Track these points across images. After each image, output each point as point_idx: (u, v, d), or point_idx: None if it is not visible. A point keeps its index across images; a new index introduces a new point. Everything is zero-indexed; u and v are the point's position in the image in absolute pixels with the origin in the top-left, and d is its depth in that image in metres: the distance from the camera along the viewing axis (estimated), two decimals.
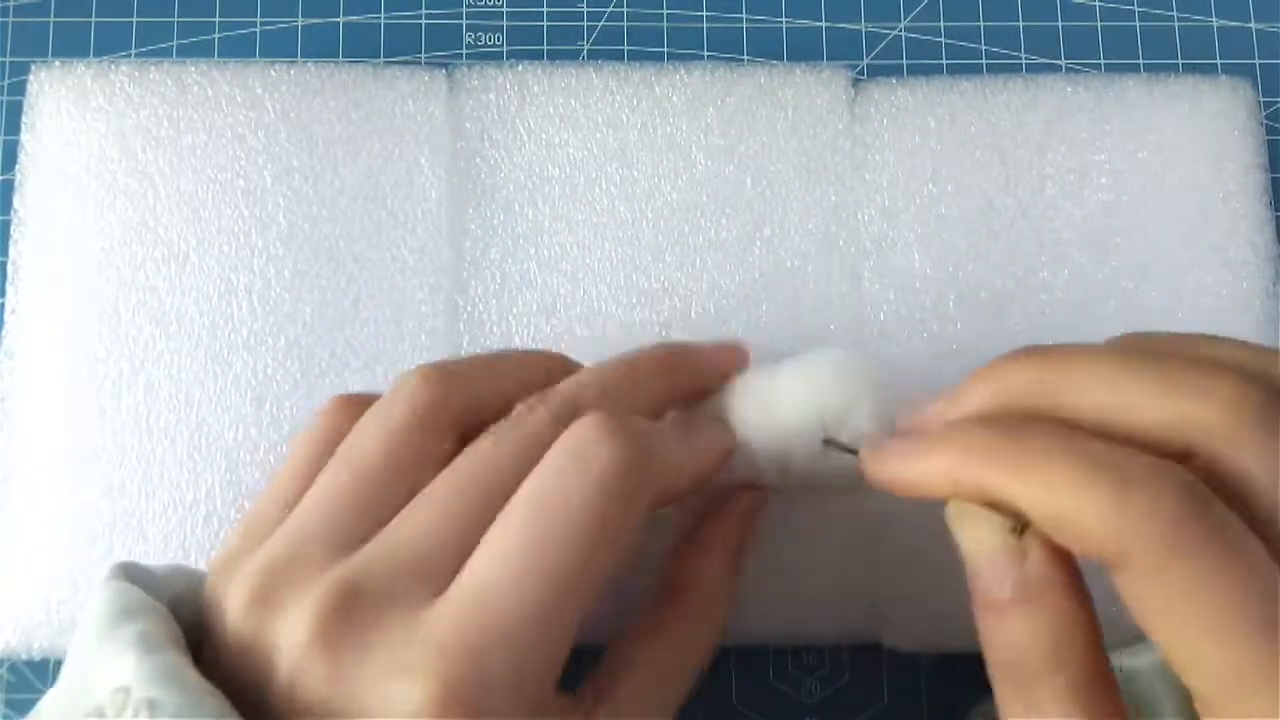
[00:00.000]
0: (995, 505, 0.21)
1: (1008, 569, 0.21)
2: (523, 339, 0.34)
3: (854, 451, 0.26)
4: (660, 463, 0.24)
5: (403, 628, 0.20)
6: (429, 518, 0.22)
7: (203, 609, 0.23)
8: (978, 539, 0.22)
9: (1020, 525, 0.21)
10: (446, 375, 0.25)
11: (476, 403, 0.25)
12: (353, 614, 0.20)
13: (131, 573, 0.23)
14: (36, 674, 0.33)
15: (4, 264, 0.34)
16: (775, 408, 0.28)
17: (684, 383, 0.28)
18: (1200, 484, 0.19)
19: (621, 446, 0.22)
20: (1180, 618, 0.19)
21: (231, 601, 0.22)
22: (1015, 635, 0.21)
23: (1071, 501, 0.20)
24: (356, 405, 0.26)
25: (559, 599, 0.21)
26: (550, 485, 0.22)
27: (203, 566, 0.31)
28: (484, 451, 0.23)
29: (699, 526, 0.28)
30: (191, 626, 0.22)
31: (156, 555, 0.32)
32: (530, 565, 0.21)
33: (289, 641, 0.20)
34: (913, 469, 0.23)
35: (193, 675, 0.20)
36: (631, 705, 0.24)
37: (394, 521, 0.22)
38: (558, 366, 0.28)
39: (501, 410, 0.25)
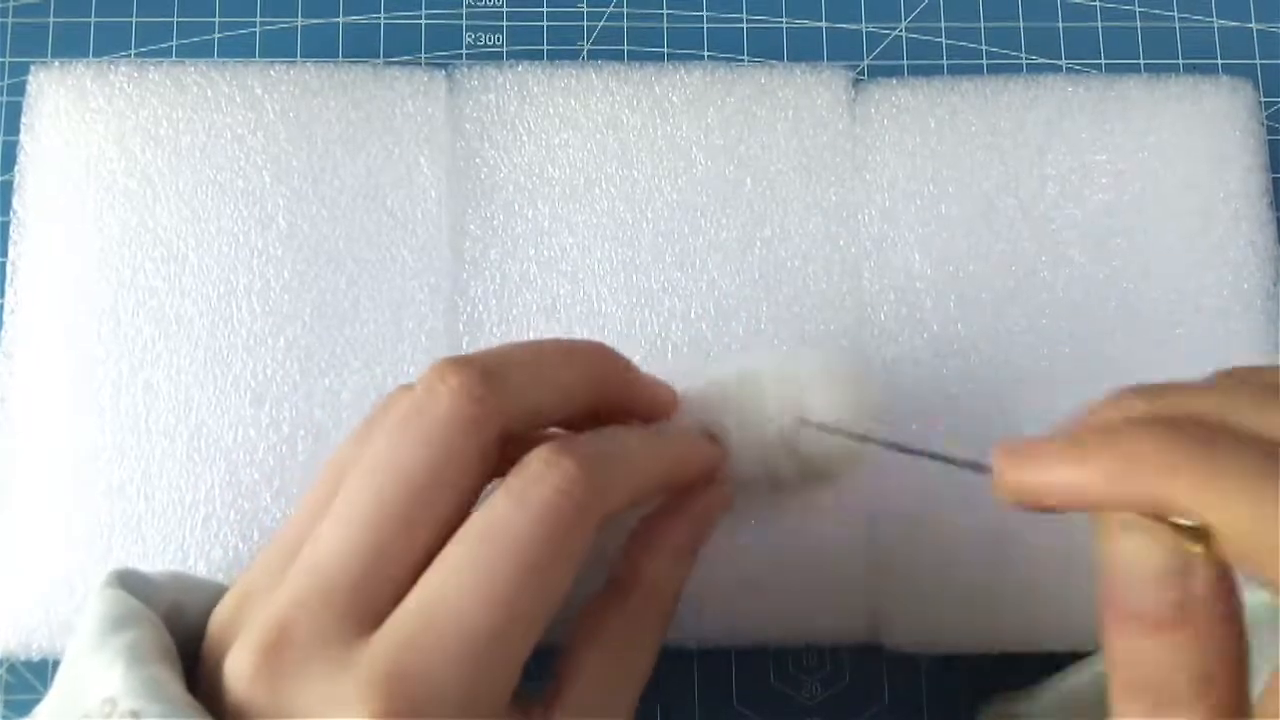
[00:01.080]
0: (1153, 516, 0.19)
1: (1173, 587, 0.19)
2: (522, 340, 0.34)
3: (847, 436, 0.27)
4: (609, 483, 0.24)
5: (335, 661, 0.21)
6: (359, 542, 0.22)
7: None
8: (1140, 553, 0.19)
9: (1192, 537, 0.19)
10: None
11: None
12: (285, 653, 0.21)
13: (127, 580, 0.23)
14: (36, 674, 0.33)
15: (4, 264, 0.34)
16: (759, 410, 0.28)
17: (599, 374, 0.27)
18: None
19: (563, 474, 0.22)
20: None
21: (212, 625, 0.23)
22: (1167, 656, 0.19)
23: None
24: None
25: (506, 621, 0.21)
26: (493, 515, 0.22)
27: (201, 568, 0.32)
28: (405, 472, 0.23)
29: (650, 523, 0.27)
30: (192, 634, 0.23)
31: (155, 556, 0.32)
32: (473, 590, 0.21)
33: (234, 673, 0.21)
34: (1062, 474, 0.20)
35: (177, 689, 0.20)
36: (579, 712, 0.24)
37: (313, 547, 0.22)
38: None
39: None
